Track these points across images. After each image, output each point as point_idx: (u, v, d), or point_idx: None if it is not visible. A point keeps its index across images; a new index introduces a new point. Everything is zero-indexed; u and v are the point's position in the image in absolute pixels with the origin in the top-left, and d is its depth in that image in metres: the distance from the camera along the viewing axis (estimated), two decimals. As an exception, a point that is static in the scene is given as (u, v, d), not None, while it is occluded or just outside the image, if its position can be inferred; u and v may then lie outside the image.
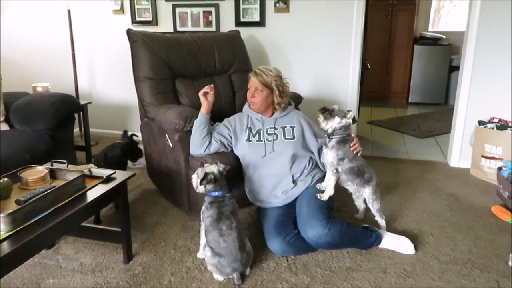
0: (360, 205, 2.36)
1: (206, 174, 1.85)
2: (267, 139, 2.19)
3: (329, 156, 2.02)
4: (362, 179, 2.09)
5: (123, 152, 2.50)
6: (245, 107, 2.34)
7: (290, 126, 2.24)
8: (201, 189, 1.90)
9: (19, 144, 2.37)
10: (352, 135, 2.07)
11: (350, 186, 2.14)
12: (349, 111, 2.02)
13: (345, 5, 3.25)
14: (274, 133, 2.21)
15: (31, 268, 1.94)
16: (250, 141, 2.21)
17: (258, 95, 2.20)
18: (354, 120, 2.01)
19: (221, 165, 1.91)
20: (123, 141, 2.57)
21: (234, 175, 2.19)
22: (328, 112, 2.00)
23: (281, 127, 2.23)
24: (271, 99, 2.22)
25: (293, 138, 2.20)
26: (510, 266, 1.92)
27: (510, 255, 1.96)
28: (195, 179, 1.89)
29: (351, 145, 2.04)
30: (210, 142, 2.18)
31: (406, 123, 4.75)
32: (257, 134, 2.22)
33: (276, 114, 2.26)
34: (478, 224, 2.36)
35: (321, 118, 2.01)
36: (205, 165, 1.96)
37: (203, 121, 2.16)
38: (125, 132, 2.64)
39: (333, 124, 2.00)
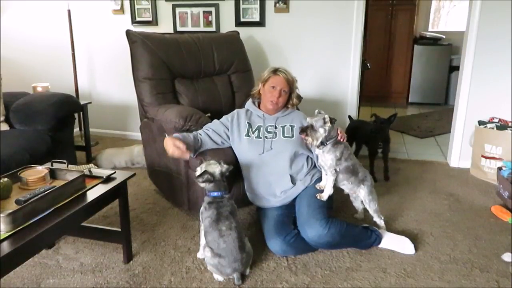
0: (358, 205, 2.36)
1: (204, 173, 1.84)
2: (266, 137, 2.19)
3: (328, 159, 2.01)
4: (356, 177, 2.10)
5: None
6: (249, 102, 2.34)
7: (290, 125, 2.23)
8: (201, 184, 1.87)
9: (19, 144, 2.37)
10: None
11: (346, 186, 2.14)
12: (319, 112, 2.01)
13: (345, 5, 3.25)
14: (274, 132, 2.20)
15: (31, 268, 1.94)
16: (250, 136, 2.20)
17: (283, 96, 2.21)
18: (332, 121, 1.97)
19: (224, 166, 1.87)
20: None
21: (233, 174, 2.18)
22: (308, 129, 1.98)
23: (281, 126, 2.22)
24: (287, 101, 2.26)
25: (292, 136, 2.19)
26: (505, 260, 1.94)
27: (507, 253, 1.96)
28: (198, 172, 1.87)
29: (340, 137, 2.03)
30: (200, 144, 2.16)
31: (406, 123, 4.75)
32: (257, 131, 2.21)
33: (278, 113, 2.26)
34: (478, 224, 2.36)
35: (308, 139, 1.99)
36: (210, 161, 1.90)
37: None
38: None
39: (319, 136, 1.98)
